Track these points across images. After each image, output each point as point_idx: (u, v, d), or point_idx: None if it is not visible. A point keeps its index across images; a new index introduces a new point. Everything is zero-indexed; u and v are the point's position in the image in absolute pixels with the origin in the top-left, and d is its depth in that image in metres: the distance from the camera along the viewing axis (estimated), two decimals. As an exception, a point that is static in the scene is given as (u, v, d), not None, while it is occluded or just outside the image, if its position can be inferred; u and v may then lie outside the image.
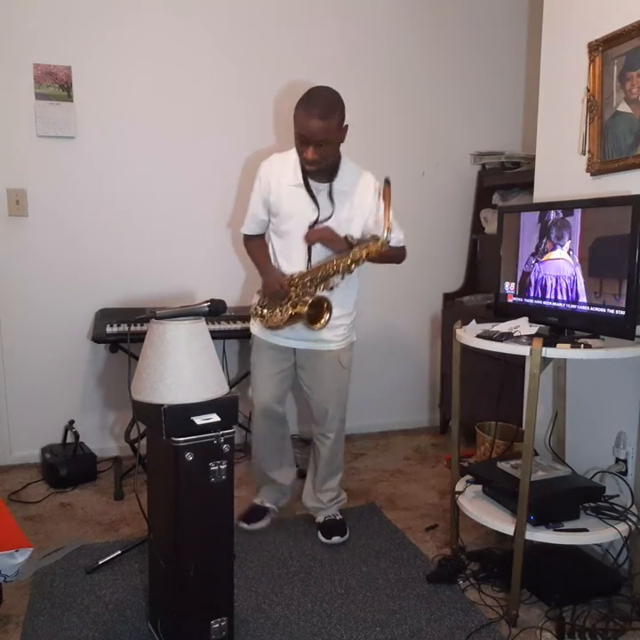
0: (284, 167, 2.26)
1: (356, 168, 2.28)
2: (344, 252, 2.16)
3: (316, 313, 2.20)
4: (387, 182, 2.06)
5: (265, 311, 2.33)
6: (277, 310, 2.26)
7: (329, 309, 2.21)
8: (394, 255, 2.32)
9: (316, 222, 2.23)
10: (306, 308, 2.17)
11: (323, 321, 2.21)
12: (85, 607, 2.01)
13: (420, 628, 1.93)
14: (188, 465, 1.59)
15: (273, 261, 2.35)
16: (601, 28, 2.19)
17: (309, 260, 2.27)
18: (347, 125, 2.15)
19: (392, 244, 2.17)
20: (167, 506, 1.67)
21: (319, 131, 2.05)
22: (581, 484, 2.12)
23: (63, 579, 2.17)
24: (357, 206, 2.26)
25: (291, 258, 2.30)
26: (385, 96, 3.49)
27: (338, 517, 2.52)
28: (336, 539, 2.42)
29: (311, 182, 2.23)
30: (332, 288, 2.20)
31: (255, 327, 2.42)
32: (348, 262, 2.13)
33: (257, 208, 2.35)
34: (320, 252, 2.26)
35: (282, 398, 2.48)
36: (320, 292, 2.20)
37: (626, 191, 2.09)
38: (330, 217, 2.23)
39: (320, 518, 2.52)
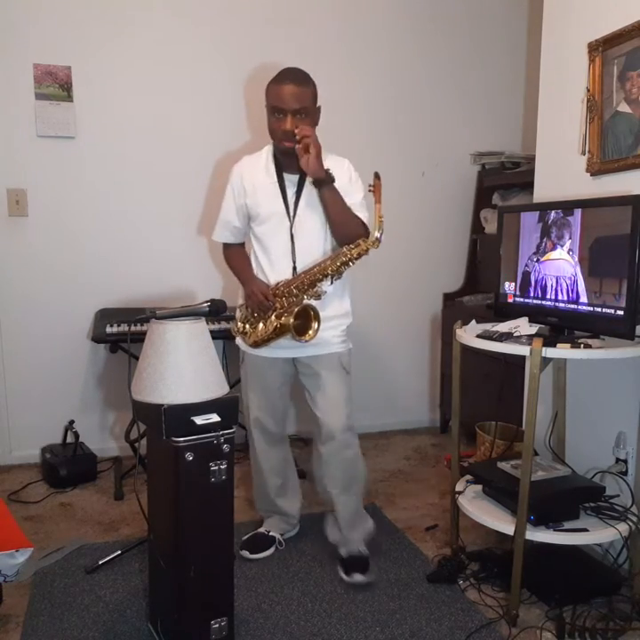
0: (256, 167, 2.17)
1: (330, 153, 2.12)
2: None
3: (304, 323, 2.05)
4: (376, 176, 1.96)
5: (247, 327, 2.18)
6: (260, 324, 2.12)
7: (317, 318, 2.05)
8: (347, 220, 2.10)
9: (290, 229, 2.11)
10: (292, 318, 2.01)
11: (311, 331, 2.05)
12: (85, 607, 2.01)
13: (419, 628, 1.93)
14: (188, 465, 1.59)
15: (255, 270, 2.22)
16: (601, 28, 2.19)
17: (294, 265, 2.11)
18: (320, 107, 2.08)
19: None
20: (167, 506, 1.67)
21: (295, 96, 1.96)
22: (581, 484, 2.12)
23: (63, 579, 2.17)
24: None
25: (273, 264, 2.15)
26: (385, 96, 3.49)
27: (364, 552, 2.24)
28: (357, 577, 2.14)
29: (285, 176, 2.11)
30: (319, 296, 2.05)
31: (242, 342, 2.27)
32: (338, 264, 2.00)
33: (229, 215, 2.23)
34: (305, 254, 2.11)
35: (279, 416, 2.31)
36: (307, 301, 2.06)
37: (626, 191, 2.09)
38: (295, 211, 2.10)
39: (343, 551, 2.25)
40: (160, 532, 1.77)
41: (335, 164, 2.08)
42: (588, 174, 2.29)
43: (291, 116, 1.98)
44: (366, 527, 2.30)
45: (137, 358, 1.69)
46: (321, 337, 2.10)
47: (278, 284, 2.12)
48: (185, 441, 1.58)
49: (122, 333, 2.83)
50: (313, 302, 2.06)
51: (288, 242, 2.12)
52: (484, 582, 2.14)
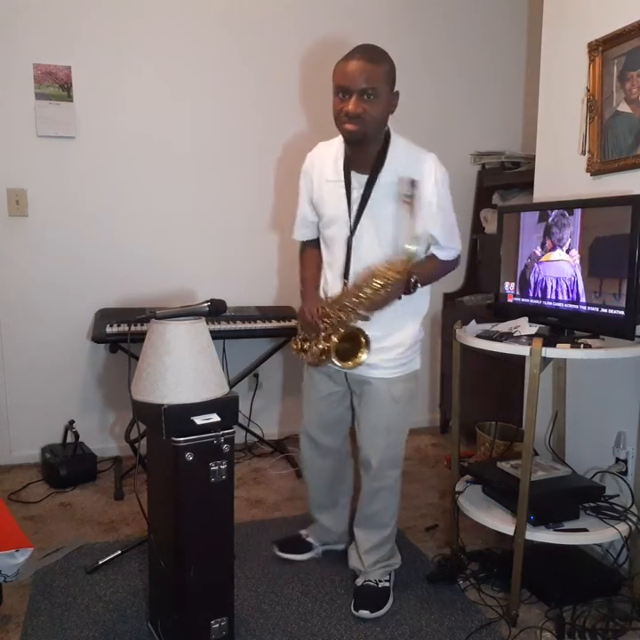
0: (326, 158, 1.91)
1: (411, 148, 1.86)
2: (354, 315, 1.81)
3: (352, 348, 1.86)
4: (412, 184, 1.73)
5: (305, 345, 2.01)
6: (314, 346, 1.94)
7: (367, 345, 1.84)
8: (442, 269, 1.95)
9: (349, 240, 1.86)
10: (335, 342, 1.83)
11: (356, 359, 1.85)
12: (85, 607, 2.01)
13: (419, 628, 1.93)
14: (188, 465, 1.59)
15: (323, 275, 2.02)
16: (601, 28, 2.19)
17: (346, 275, 1.88)
18: (398, 92, 1.80)
19: (443, 257, 1.91)
20: (167, 506, 1.67)
21: (363, 72, 1.67)
22: (581, 484, 2.12)
23: (63, 579, 2.17)
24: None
25: (333, 275, 1.95)
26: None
27: (380, 585, 2.05)
28: (364, 612, 1.96)
29: (353, 175, 1.85)
30: (367, 317, 1.83)
31: None
32: (375, 288, 1.77)
33: (304, 208, 2.02)
34: (360, 270, 1.86)
35: (329, 427, 2.15)
36: (354, 322, 1.84)
37: (626, 191, 2.09)
38: (357, 219, 1.83)
39: (358, 581, 2.09)
40: (160, 531, 1.77)
41: (419, 160, 1.81)
42: (588, 174, 2.29)
43: (357, 95, 1.70)
44: (389, 563, 2.12)
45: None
46: (373, 358, 1.91)
47: (327, 299, 1.93)
48: (185, 441, 1.58)
49: (122, 333, 2.83)
50: (361, 324, 1.86)
51: (345, 252, 1.90)
52: (484, 582, 2.14)
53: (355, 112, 1.71)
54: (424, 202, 1.77)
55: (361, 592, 2.04)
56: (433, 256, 1.94)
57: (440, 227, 1.87)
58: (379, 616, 1.98)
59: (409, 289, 1.82)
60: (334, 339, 1.84)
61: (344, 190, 1.86)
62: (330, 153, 1.92)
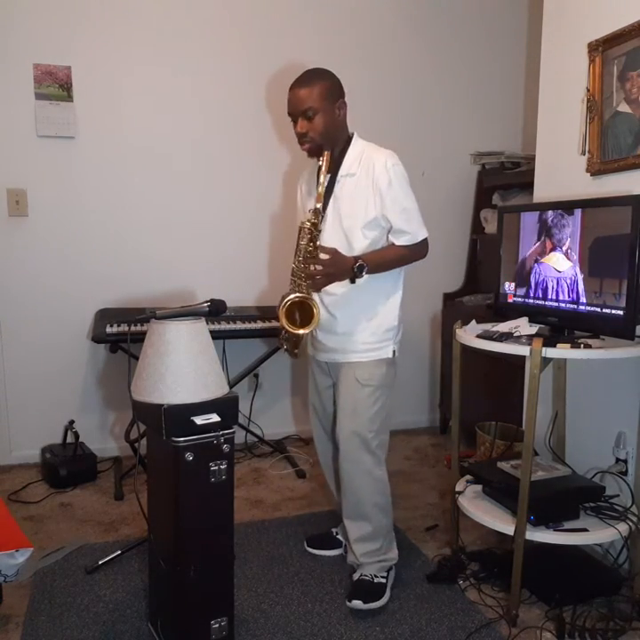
0: (308, 173, 2.17)
1: (369, 147, 2.00)
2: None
3: (306, 317, 1.90)
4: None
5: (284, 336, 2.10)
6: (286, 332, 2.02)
7: (316, 315, 1.88)
8: (400, 255, 1.98)
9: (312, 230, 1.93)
10: (284, 308, 1.88)
11: (307, 327, 1.90)
12: (85, 607, 2.01)
13: (419, 628, 1.93)
14: (188, 465, 1.59)
15: None
16: (601, 28, 2.19)
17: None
18: (342, 101, 1.99)
19: (401, 242, 1.95)
20: (167, 506, 1.67)
21: (300, 98, 1.92)
22: (581, 484, 2.12)
23: (63, 579, 2.17)
24: (360, 190, 1.95)
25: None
26: (384, 96, 3.49)
27: (376, 580, 2.07)
28: (356, 603, 1.98)
29: (321, 176, 1.95)
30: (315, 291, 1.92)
31: None
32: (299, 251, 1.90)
33: (299, 214, 2.21)
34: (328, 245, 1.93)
35: (331, 416, 2.20)
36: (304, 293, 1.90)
37: (626, 191, 2.09)
38: (322, 215, 1.94)
39: (355, 576, 2.11)
40: (160, 531, 1.77)
41: (373, 157, 1.94)
42: (588, 174, 2.29)
43: (300, 118, 1.95)
44: (385, 557, 2.10)
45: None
46: (341, 343, 2.04)
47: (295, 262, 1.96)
48: (185, 441, 1.58)
49: (122, 333, 2.83)
50: (332, 304, 2.00)
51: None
52: (484, 582, 2.14)
53: (300, 132, 1.96)
54: (375, 187, 1.92)
55: (356, 585, 2.07)
56: (390, 243, 2.00)
57: (392, 208, 1.94)
58: (371, 608, 1.99)
59: (353, 271, 1.87)
60: (284, 306, 1.89)
61: (315, 189, 2.00)
62: (312, 168, 2.13)
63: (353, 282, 1.92)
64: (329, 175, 1.95)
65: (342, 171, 1.99)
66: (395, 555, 2.15)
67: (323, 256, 1.87)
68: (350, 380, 2.03)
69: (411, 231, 1.96)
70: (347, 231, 1.99)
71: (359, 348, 2.03)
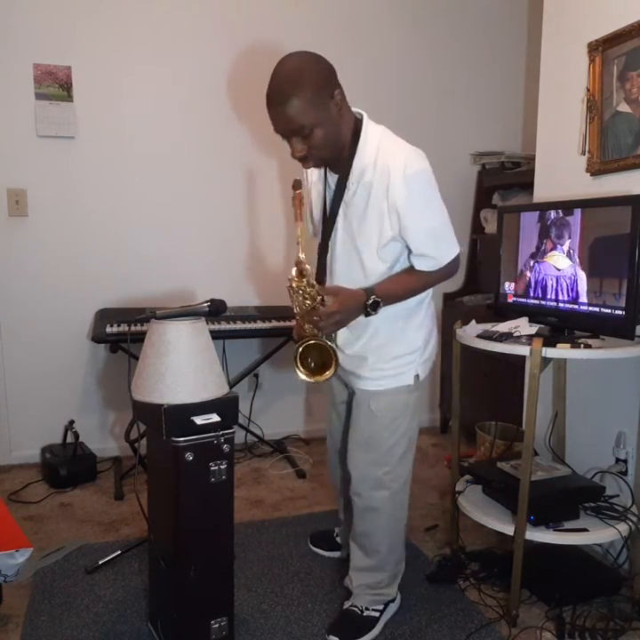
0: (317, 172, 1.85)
1: (382, 144, 1.63)
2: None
3: (323, 361, 1.70)
4: (294, 186, 1.66)
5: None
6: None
7: (336, 361, 1.66)
8: (421, 281, 1.72)
9: (323, 246, 1.72)
10: (297, 354, 1.68)
11: (324, 375, 1.69)
12: (85, 607, 2.01)
13: (419, 628, 1.93)
14: (188, 465, 1.59)
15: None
16: (601, 28, 2.19)
17: (323, 277, 1.75)
18: (339, 93, 1.59)
19: (422, 267, 1.68)
20: (167, 506, 1.67)
21: (283, 119, 1.55)
22: (581, 484, 2.12)
23: (63, 579, 2.17)
24: (374, 204, 1.63)
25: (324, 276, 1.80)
26: (384, 96, 3.49)
27: (365, 613, 1.87)
28: (333, 639, 1.81)
29: (328, 173, 1.72)
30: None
31: None
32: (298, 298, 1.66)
33: (313, 216, 1.92)
34: (340, 277, 1.74)
35: (340, 432, 2.05)
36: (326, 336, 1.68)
37: (626, 191, 2.09)
38: (329, 233, 1.70)
39: (345, 604, 1.93)
40: (160, 531, 1.77)
41: (386, 163, 1.59)
42: (588, 174, 2.29)
43: (293, 138, 1.60)
44: (382, 592, 1.92)
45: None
46: (357, 367, 1.80)
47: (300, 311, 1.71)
48: (185, 441, 1.58)
49: (122, 333, 2.83)
50: (345, 330, 1.73)
51: (324, 256, 1.78)
52: (484, 582, 2.14)
53: (300, 155, 1.61)
54: (391, 203, 1.60)
55: (340, 615, 1.91)
56: (410, 267, 1.72)
57: (412, 231, 1.63)
58: None
59: (366, 309, 1.63)
60: (299, 349, 1.68)
61: (323, 188, 1.76)
62: None
63: (367, 316, 1.67)
64: (336, 177, 1.70)
65: (353, 175, 1.65)
66: (394, 592, 1.96)
67: (327, 299, 1.65)
68: (364, 409, 1.80)
69: (436, 256, 1.67)
70: (360, 251, 1.70)
71: (373, 374, 1.78)
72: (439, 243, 1.68)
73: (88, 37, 3.03)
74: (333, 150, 1.63)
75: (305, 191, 1.88)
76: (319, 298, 1.66)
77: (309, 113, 1.54)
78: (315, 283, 1.68)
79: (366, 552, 1.91)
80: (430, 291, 1.82)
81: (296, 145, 1.59)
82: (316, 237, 1.92)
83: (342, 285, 1.71)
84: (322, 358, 1.68)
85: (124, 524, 2.58)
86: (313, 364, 1.71)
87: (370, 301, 1.62)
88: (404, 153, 1.62)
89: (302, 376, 1.71)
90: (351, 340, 1.79)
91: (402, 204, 1.59)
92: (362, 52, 3.42)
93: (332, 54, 3.23)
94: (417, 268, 1.70)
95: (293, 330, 1.84)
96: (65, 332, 3.17)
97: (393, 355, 1.77)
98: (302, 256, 1.64)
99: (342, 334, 1.78)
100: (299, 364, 1.69)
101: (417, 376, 1.80)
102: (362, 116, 1.69)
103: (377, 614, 1.90)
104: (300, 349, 1.67)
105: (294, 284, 1.65)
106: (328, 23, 3.36)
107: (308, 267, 1.65)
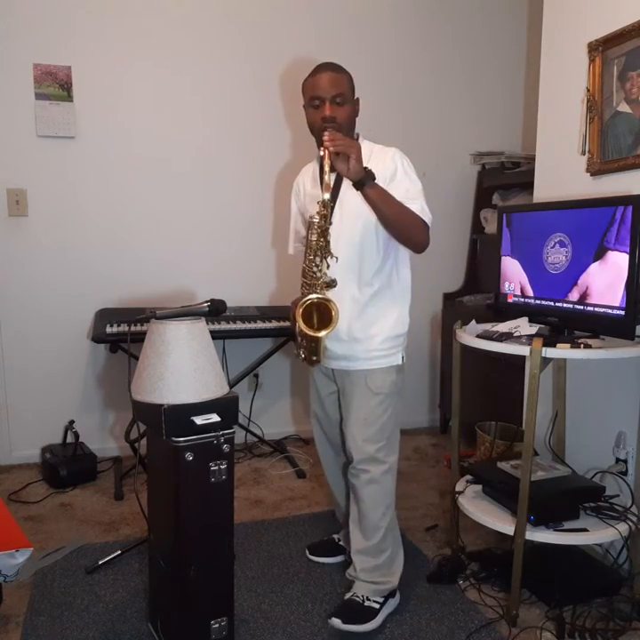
0: (307, 175, 2.07)
1: (375, 146, 1.96)
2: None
3: (323, 320, 1.80)
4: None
5: (301, 349, 1.97)
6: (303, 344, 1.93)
7: (335, 315, 1.78)
8: (405, 211, 1.82)
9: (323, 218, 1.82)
10: (300, 309, 1.79)
11: (327, 329, 1.79)
12: (85, 607, 2.01)
13: (419, 628, 1.93)
14: (188, 465, 1.59)
15: None
16: (601, 28, 2.19)
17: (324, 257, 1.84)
18: (358, 99, 1.95)
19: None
20: (167, 506, 1.67)
21: (333, 82, 1.85)
22: (581, 484, 2.12)
23: (63, 579, 2.17)
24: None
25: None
26: (385, 96, 3.49)
27: (366, 603, 1.92)
28: (335, 621, 1.86)
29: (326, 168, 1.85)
30: (329, 284, 1.82)
31: None
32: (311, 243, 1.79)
33: (297, 224, 2.13)
34: (337, 248, 1.83)
35: (333, 425, 2.13)
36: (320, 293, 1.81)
37: (626, 191, 2.09)
38: (332, 205, 1.84)
39: (346, 595, 1.98)
40: (160, 531, 1.77)
41: (381, 155, 1.91)
42: (588, 174, 2.29)
43: (329, 102, 1.85)
44: (382, 580, 1.97)
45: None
46: (350, 350, 1.94)
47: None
48: (185, 441, 1.58)
49: (122, 333, 2.83)
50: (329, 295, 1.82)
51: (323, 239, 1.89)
52: (484, 582, 2.14)
53: (331, 116, 1.85)
54: (382, 180, 1.83)
55: (343, 603, 1.96)
56: None
57: (399, 188, 1.86)
58: (352, 631, 1.86)
59: (366, 171, 1.76)
60: (301, 306, 1.79)
61: (319, 193, 1.86)
62: (309, 170, 2.08)
63: (360, 188, 1.76)
64: (335, 174, 1.84)
65: None
66: (395, 580, 2.00)
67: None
68: (361, 389, 1.94)
69: (418, 210, 1.84)
70: (356, 230, 1.90)
71: (369, 355, 1.94)
72: (421, 202, 1.88)
73: (88, 37, 3.03)
74: (345, 131, 1.87)
75: (299, 201, 2.10)
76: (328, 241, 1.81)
77: (348, 90, 1.90)
78: (331, 223, 1.82)
79: (367, 532, 1.97)
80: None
81: (331, 107, 1.86)
82: (292, 245, 2.20)
83: (347, 241, 1.90)
84: (321, 318, 1.81)
85: (124, 524, 2.58)
86: (315, 324, 1.83)
87: (367, 168, 1.77)
88: (392, 149, 1.95)
89: (307, 331, 1.81)
90: (348, 324, 1.92)
91: (390, 172, 1.88)
92: (362, 52, 3.41)
93: (332, 54, 3.26)
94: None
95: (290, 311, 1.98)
96: (65, 332, 3.17)
97: (384, 336, 1.95)
98: (327, 197, 1.76)
99: (340, 318, 1.88)
100: (301, 321, 1.79)
101: (403, 357, 2.00)
102: (358, 134, 2.01)
103: (377, 606, 1.94)
104: (306, 305, 1.79)
105: (317, 218, 1.78)
106: (328, 23, 3.36)
107: (331, 207, 1.81)
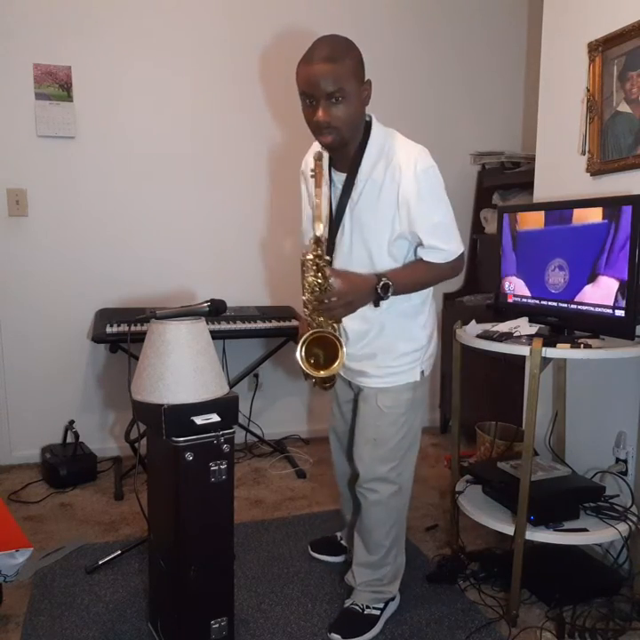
0: (313, 152, 1.77)
1: (391, 142, 1.67)
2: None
3: (329, 355, 1.68)
4: (315, 158, 1.61)
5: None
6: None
7: (341, 351, 1.66)
8: (430, 273, 1.72)
9: (329, 245, 1.70)
10: (302, 346, 1.65)
11: (331, 368, 1.67)
12: (85, 607, 2.01)
13: (419, 628, 1.93)
14: (188, 465, 1.59)
15: None
16: (601, 28, 2.19)
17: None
18: (369, 81, 1.63)
19: (431, 259, 1.68)
20: (167, 506, 1.67)
21: (326, 76, 1.52)
22: (581, 484, 2.12)
23: (63, 579, 2.17)
24: (384, 200, 1.64)
25: None
26: (385, 96, 3.49)
27: (366, 611, 1.90)
28: (334, 637, 1.84)
29: (333, 172, 1.73)
30: (335, 320, 1.71)
31: None
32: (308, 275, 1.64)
33: (307, 208, 1.94)
34: (348, 260, 1.75)
35: (351, 429, 2.02)
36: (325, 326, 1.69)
37: (626, 191, 2.09)
38: (336, 232, 1.71)
39: (346, 602, 1.95)
40: (160, 531, 1.77)
41: (398, 163, 1.63)
42: (588, 174, 2.29)
43: (324, 101, 1.56)
44: (382, 589, 1.94)
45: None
46: (363, 366, 1.83)
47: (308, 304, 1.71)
48: (185, 441, 1.58)
49: (122, 333, 2.83)
50: (350, 329, 1.76)
51: (330, 254, 1.75)
52: (484, 582, 2.14)
53: (325, 121, 1.58)
54: (403, 199, 1.63)
55: (342, 614, 1.92)
56: (419, 259, 1.73)
57: (423, 224, 1.66)
58: None
59: (378, 293, 1.62)
60: (303, 344, 1.66)
61: (327, 187, 1.75)
62: (315, 149, 1.82)
63: (377, 305, 1.66)
64: (343, 175, 1.70)
65: (362, 173, 1.67)
66: (395, 590, 1.98)
67: (336, 282, 1.61)
68: (371, 406, 1.81)
69: (446, 248, 1.68)
70: (370, 248, 1.72)
71: (380, 372, 1.80)
72: (449, 236, 1.70)
73: (88, 37, 3.03)
74: (349, 132, 1.63)
75: (307, 184, 1.89)
76: (330, 279, 1.63)
77: (349, 80, 1.56)
78: (328, 258, 1.65)
79: (370, 548, 1.92)
80: (431, 289, 1.84)
81: (326, 109, 1.57)
82: (306, 235, 1.96)
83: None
84: (326, 353, 1.67)
85: (124, 524, 2.58)
86: (319, 360, 1.69)
87: (381, 283, 1.60)
88: (414, 151, 1.66)
89: (309, 371, 1.68)
90: (359, 339, 1.81)
91: (413, 197, 1.62)
92: (362, 52, 3.41)
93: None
94: (425, 258, 1.71)
95: (298, 330, 1.85)
96: (65, 332, 3.17)
97: (400, 352, 1.79)
98: (319, 233, 1.61)
99: (350, 333, 1.82)
100: (303, 360, 1.65)
101: (422, 372, 1.84)
102: (371, 117, 1.73)
103: (377, 613, 1.92)
104: (307, 342, 1.64)
105: (311, 257, 1.61)
106: (328, 23, 3.36)
107: (324, 246, 1.63)
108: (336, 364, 1.66)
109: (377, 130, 1.70)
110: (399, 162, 1.63)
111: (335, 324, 1.74)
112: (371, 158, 1.67)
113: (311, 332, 1.66)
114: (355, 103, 1.60)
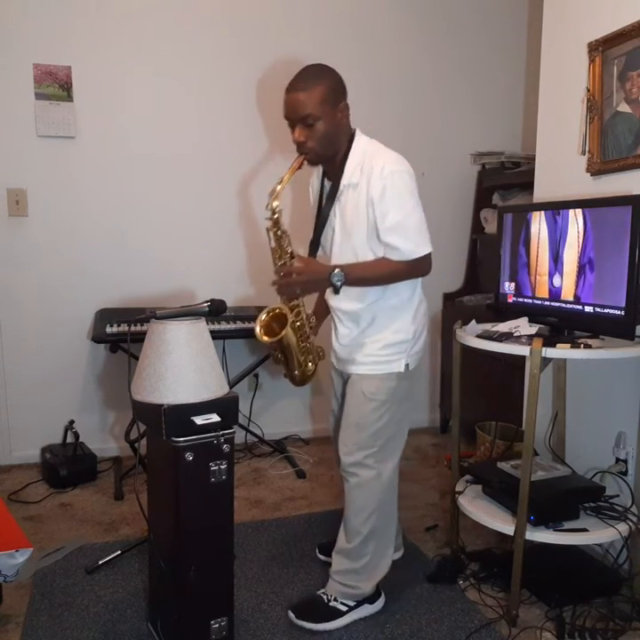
0: (317, 170, 2.02)
1: (369, 150, 1.84)
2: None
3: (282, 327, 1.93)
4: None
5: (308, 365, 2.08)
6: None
7: (287, 322, 1.91)
8: (391, 270, 1.82)
9: (314, 244, 1.97)
10: (263, 315, 1.95)
11: (279, 335, 1.92)
12: (85, 607, 2.01)
13: (419, 628, 1.93)
14: (188, 465, 1.59)
15: None
16: (601, 28, 2.19)
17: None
18: (345, 104, 1.84)
19: (395, 257, 1.80)
20: (167, 506, 1.67)
21: (298, 103, 1.76)
22: (581, 484, 2.12)
23: (63, 579, 2.17)
24: (362, 201, 1.81)
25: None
26: (384, 96, 3.49)
27: (331, 603, 1.92)
28: (290, 614, 1.92)
29: (325, 181, 1.95)
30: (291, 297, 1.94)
31: None
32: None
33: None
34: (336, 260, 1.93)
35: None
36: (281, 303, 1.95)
37: (626, 191, 2.09)
38: (321, 231, 1.94)
39: (319, 590, 2.00)
40: (160, 531, 1.77)
41: (370, 168, 1.78)
42: (588, 174, 2.29)
43: (298, 125, 1.80)
44: (352, 585, 1.93)
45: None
46: (351, 353, 1.95)
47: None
48: (185, 441, 1.58)
49: (122, 333, 2.83)
50: (345, 316, 1.94)
51: (314, 252, 2.00)
52: (484, 582, 2.14)
53: (298, 140, 1.82)
54: (369, 197, 1.78)
55: (308, 597, 1.97)
56: (383, 256, 1.84)
57: (382, 222, 1.78)
58: (305, 627, 1.88)
59: (330, 279, 1.78)
60: (263, 316, 1.93)
61: (319, 193, 1.97)
62: (318, 167, 2.03)
63: (336, 292, 1.81)
64: (330, 183, 1.90)
65: (344, 179, 1.84)
66: (368, 589, 1.95)
67: (297, 264, 1.85)
68: (356, 392, 1.92)
69: (402, 248, 1.78)
70: (353, 244, 1.87)
71: (367, 359, 1.91)
72: (408, 236, 1.79)
73: (88, 37, 3.03)
74: (327, 149, 1.84)
75: (314, 197, 2.08)
76: (290, 250, 1.90)
77: (320, 106, 1.78)
78: (284, 230, 1.90)
79: (348, 534, 1.94)
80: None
81: (300, 131, 1.80)
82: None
83: None
84: (282, 327, 1.92)
85: (124, 524, 2.58)
86: (276, 332, 1.94)
87: (334, 271, 1.77)
88: (386, 156, 1.82)
89: (263, 337, 1.93)
90: (351, 330, 1.95)
91: (377, 196, 1.77)
92: (361, 51, 3.41)
93: (332, 55, 3.26)
94: (389, 257, 1.83)
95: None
96: (65, 332, 3.17)
97: (387, 342, 1.90)
98: (275, 204, 1.86)
99: (344, 325, 1.96)
100: (261, 327, 1.94)
101: (407, 365, 1.92)
102: (355, 130, 1.91)
103: (344, 608, 1.92)
104: (265, 321, 1.94)
105: (269, 224, 1.87)
106: (328, 24, 3.36)
107: (275, 215, 1.88)
108: (285, 328, 1.90)
109: (359, 141, 1.88)
110: (372, 165, 1.79)
111: (300, 308, 1.97)
112: (351, 166, 1.84)
113: (267, 309, 1.92)
114: (325, 125, 1.80)
